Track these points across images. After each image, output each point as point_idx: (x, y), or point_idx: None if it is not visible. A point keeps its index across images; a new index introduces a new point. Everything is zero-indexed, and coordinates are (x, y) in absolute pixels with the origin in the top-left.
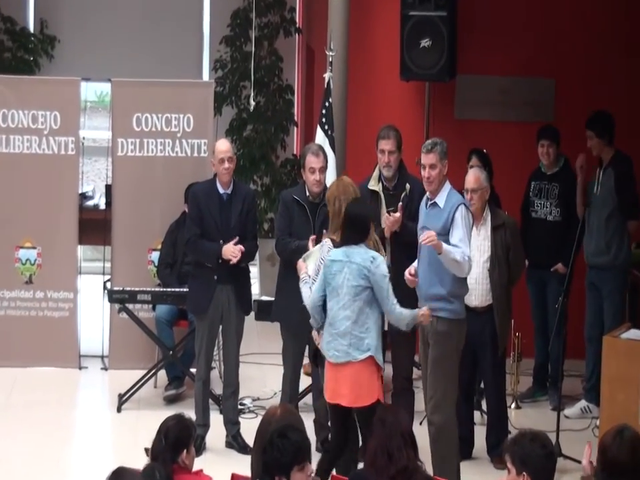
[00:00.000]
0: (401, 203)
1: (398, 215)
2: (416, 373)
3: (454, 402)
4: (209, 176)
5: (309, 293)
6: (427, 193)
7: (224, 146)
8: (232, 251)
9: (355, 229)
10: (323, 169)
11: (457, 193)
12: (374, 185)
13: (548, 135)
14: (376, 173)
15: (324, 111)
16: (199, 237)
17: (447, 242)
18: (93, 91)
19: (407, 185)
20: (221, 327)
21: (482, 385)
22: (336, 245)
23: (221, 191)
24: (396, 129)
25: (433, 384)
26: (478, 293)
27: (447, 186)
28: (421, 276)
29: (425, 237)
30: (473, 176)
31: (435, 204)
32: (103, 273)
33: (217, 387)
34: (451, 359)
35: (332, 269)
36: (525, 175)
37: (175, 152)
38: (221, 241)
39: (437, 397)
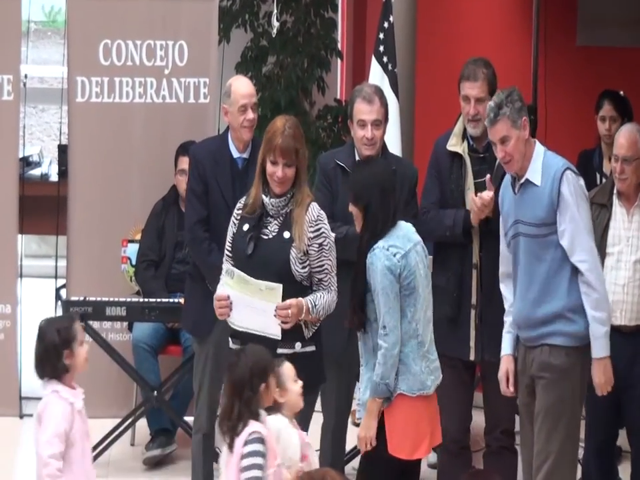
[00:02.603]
0: (488, 176)
1: (490, 194)
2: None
3: (575, 466)
4: (210, 133)
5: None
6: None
7: (246, 87)
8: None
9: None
10: (380, 123)
11: (555, 155)
12: (455, 144)
13: None
14: (459, 128)
15: (382, 36)
16: (206, 229)
17: (553, 239)
18: (39, 5)
19: None
20: None
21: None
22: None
23: (235, 154)
24: (488, 65)
25: (546, 441)
26: (627, 306)
27: (539, 150)
28: (519, 295)
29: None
30: (627, 138)
31: (527, 183)
32: (56, 276)
33: None
34: (573, 403)
35: (410, 264)
36: None
37: (161, 97)
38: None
39: (551, 460)
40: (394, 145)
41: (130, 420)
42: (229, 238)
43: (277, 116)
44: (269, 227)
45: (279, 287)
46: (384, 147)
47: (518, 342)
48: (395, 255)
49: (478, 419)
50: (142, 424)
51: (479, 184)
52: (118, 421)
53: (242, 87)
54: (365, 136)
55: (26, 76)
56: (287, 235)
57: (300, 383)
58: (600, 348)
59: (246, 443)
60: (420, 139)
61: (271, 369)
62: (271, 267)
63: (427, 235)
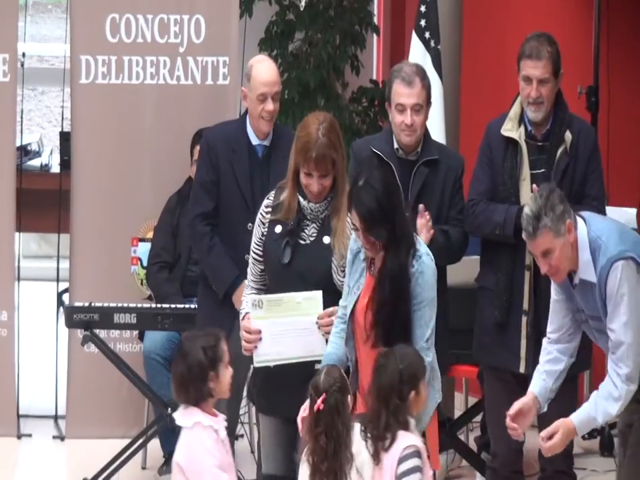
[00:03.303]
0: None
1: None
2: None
3: None
4: (231, 118)
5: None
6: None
7: (268, 73)
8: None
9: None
10: (421, 107)
11: (599, 235)
12: (511, 129)
13: None
14: (515, 112)
15: (423, 8)
16: (208, 223)
17: None
18: None
19: (567, 134)
20: (252, 367)
21: None
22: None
23: (255, 141)
24: (552, 42)
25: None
26: None
27: (582, 236)
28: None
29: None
30: None
31: (583, 283)
32: (57, 280)
33: (247, 468)
34: None
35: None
36: None
37: (176, 78)
38: (246, 256)
39: None
40: (437, 131)
41: (141, 440)
42: (255, 241)
43: (310, 115)
44: (305, 231)
45: (318, 294)
46: (426, 134)
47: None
48: (433, 260)
49: (531, 440)
50: (154, 445)
51: (536, 175)
52: (128, 441)
53: (263, 72)
54: (404, 122)
55: (24, 54)
56: (326, 240)
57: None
58: (585, 426)
59: (401, 461)
60: (466, 124)
61: (422, 375)
62: (310, 276)
63: (474, 230)
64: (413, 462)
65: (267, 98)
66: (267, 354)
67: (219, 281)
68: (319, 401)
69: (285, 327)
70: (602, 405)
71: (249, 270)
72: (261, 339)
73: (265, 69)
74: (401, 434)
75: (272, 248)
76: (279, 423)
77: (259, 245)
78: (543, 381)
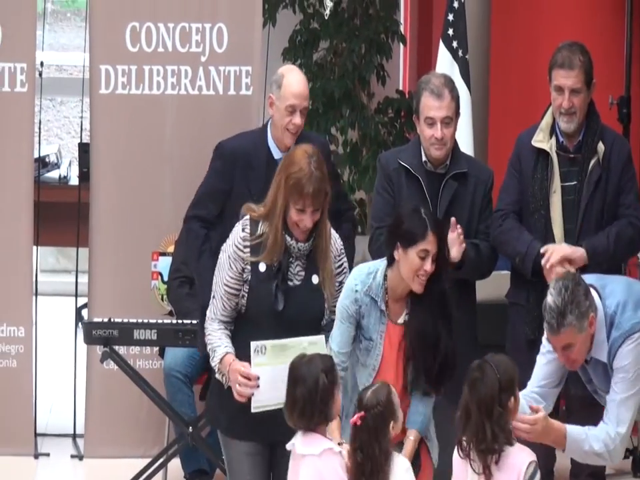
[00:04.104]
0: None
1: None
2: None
3: None
4: (254, 127)
5: None
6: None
7: (300, 85)
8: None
9: None
10: (450, 120)
11: (626, 308)
12: (542, 140)
13: None
14: (546, 122)
15: (451, 17)
16: (205, 227)
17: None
18: None
19: (600, 145)
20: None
21: None
22: None
23: (277, 155)
24: (585, 51)
25: None
26: None
27: (600, 325)
28: None
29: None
30: None
31: (595, 361)
32: (76, 295)
33: None
34: None
35: None
36: None
37: (197, 88)
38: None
39: None
40: (465, 143)
41: (161, 460)
42: (231, 275)
43: (295, 149)
44: (291, 269)
45: (321, 339)
46: (454, 146)
47: None
48: None
49: (562, 460)
50: (175, 464)
51: (567, 187)
52: (148, 460)
53: (295, 83)
54: (434, 135)
55: (42, 64)
56: (315, 279)
57: None
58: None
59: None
60: (494, 135)
61: (516, 378)
62: (302, 320)
63: (496, 245)
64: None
65: (296, 111)
66: (266, 399)
67: (203, 290)
68: (356, 416)
69: (287, 372)
70: (592, 439)
71: (216, 303)
72: (258, 385)
73: (297, 81)
74: (514, 449)
75: (260, 291)
76: (256, 446)
77: (236, 281)
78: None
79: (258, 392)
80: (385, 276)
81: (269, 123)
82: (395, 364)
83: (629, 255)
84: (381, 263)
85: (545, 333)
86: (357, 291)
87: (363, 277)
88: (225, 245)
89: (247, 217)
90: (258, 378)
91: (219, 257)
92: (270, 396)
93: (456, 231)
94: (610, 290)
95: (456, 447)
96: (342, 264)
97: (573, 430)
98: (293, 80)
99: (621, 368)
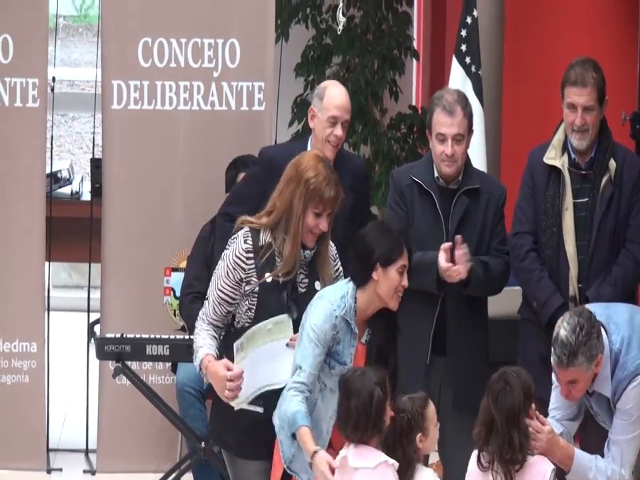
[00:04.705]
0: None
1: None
2: None
3: None
4: (267, 144)
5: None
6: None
7: (342, 97)
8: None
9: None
10: (462, 137)
11: (631, 347)
12: (554, 157)
13: None
14: (558, 139)
15: (464, 33)
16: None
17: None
18: None
19: (612, 162)
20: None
21: None
22: None
23: None
24: (597, 68)
25: None
26: None
27: (605, 361)
28: None
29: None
30: None
31: (598, 395)
32: (88, 310)
33: None
34: None
35: None
36: None
37: (210, 104)
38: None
39: None
40: (478, 159)
41: (174, 475)
42: (228, 283)
43: (304, 155)
44: (296, 277)
45: (285, 317)
46: (467, 162)
47: None
48: None
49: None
50: (187, 479)
51: (579, 204)
52: (160, 476)
53: (338, 96)
54: (445, 152)
55: (54, 79)
56: (317, 286)
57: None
58: (575, 472)
59: None
60: (507, 150)
61: (533, 388)
62: None
63: (516, 276)
64: None
65: (338, 122)
66: (246, 391)
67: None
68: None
69: (260, 357)
70: (598, 473)
71: (209, 307)
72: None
73: (339, 93)
74: (536, 457)
75: (271, 302)
76: (265, 464)
77: (232, 289)
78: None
79: (242, 388)
80: (355, 298)
81: (311, 137)
82: None
83: (636, 286)
84: (347, 284)
85: (552, 363)
86: (336, 316)
87: (338, 301)
88: (223, 254)
89: (246, 228)
90: (242, 373)
91: (218, 264)
92: (249, 385)
93: (461, 249)
94: (615, 324)
95: (474, 460)
96: (338, 268)
97: (581, 455)
98: (336, 92)
99: (625, 410)
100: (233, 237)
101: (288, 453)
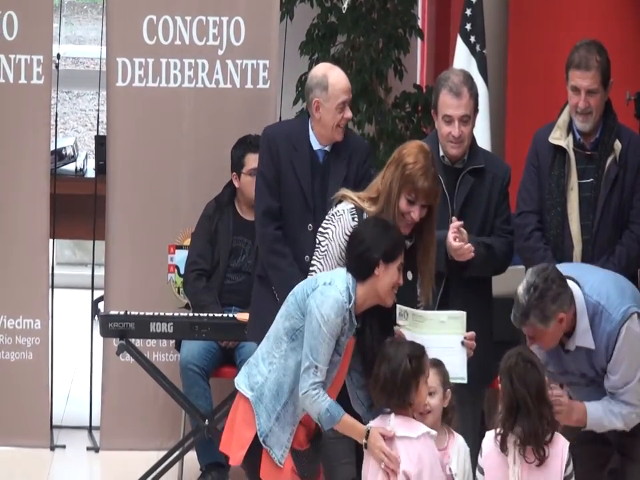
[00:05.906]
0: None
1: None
2: None
3: None
4: (271, 122)
5: None
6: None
7: (345, 80)
8: None
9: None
10: (468, 118)
11: (611, 296)
12: (559, 138)
13: None
14: (563, 120)
15: (469, 12)
16: (277, 226)
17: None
18: None
19: (617, 143)
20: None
21: None
22: None
23: (316, 146)
24: (602, 50)
25: None
26: None
27: (581, 312)
28: None
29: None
30: None
31: (578, 349)
32: (92, 288)
33: None
34: None
35: None
36: None
37: (214, 82)
38: (306, 257)
39: None
40: (482, 138)
41: (177, 452)
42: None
43: (412, 143)
44: None
45: (463, 314)
46: (472, 141)
47: None
48: None
49: None
50: (191, 457)
51: (584, 185)
52: (164, 453)
53: (341, 80)
54: (452, 133)
55: (59, 56)
56: (409, 275)
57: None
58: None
59: (568, 463)
60: (512, 130)
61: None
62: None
63: (521, 257)
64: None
65: (346, 105)
66: None
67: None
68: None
69: (427, 345)
70: (612, 416)
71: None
72: None
73: (341, 77)
74: (557, 434)
75: None
76: None
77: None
78: None
79: None
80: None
81: (309, 119)
82: (343, 373)
83: (638, 266)
84: (347, 276)
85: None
86: (347, 309)
87: (345, 293)
88: (329, 232)
89: (350, 205)
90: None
91: (322, 244)
92: None
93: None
94: (587, 278)
95: (491, 443)
96: None
97: (592, 407)
98: (337, 77)
99: (622, 358)
100: (334, 211)
101: (265, 427)
